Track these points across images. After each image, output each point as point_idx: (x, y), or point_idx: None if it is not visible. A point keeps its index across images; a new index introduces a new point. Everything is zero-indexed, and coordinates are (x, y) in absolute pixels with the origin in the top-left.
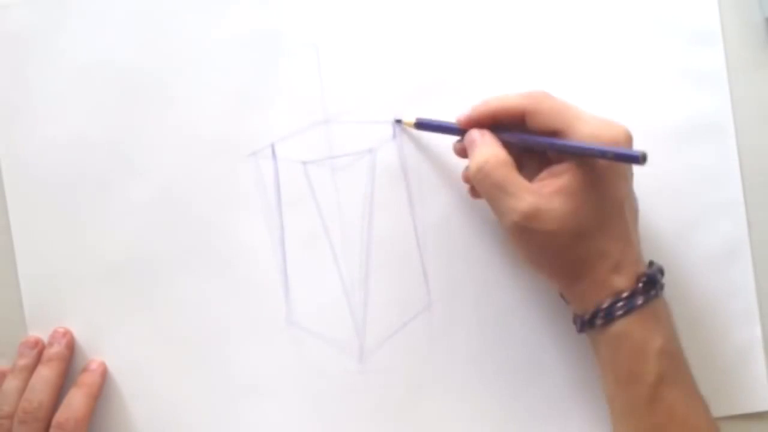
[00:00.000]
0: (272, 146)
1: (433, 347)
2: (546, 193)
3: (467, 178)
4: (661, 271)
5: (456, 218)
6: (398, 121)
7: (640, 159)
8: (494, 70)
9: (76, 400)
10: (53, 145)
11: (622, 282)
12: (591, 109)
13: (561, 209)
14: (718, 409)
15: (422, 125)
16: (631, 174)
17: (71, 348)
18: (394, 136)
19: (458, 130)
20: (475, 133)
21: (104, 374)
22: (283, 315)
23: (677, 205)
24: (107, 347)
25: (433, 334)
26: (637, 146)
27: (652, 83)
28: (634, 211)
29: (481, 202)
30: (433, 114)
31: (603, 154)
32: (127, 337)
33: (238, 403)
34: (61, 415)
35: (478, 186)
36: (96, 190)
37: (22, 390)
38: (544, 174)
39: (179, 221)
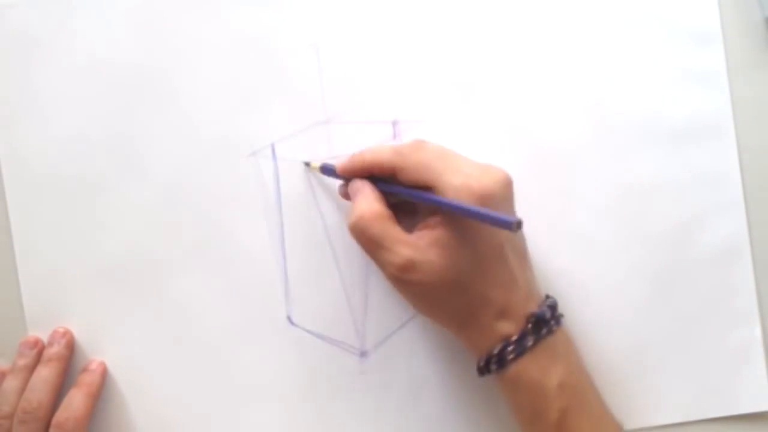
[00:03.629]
0: (272, 146)
1: (432, 347)
2: (422, 246)
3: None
4: (553, 307)
5: None
6: (306, 164)
7: (514, 227)
8: (494, 70)
9: (76, 400)
10: (53, 145)
11: (508, 327)
12: (591, 109)
13: (437, 262)
14: (718, 409)
15: (324, 170)
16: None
17: (71, 348)
18: (394, 136)
19: (337, 173)
20: (356, 184)
21: (104, 374)
22: (283, 315)
23: (677, 205)
24: (107, 347)
25: (433, 333)
26: (637, 146)
27: (652, 83)
28: (519, 249)
29: None
30: (432, 113)
31: (472, 215)
32: (127, 337)
33: (238, 402)
34: (60, 415)
35: (356, 240)
36: (96, 189)
37: (22, 390)
38: (420, 225)
39: (179, 221)
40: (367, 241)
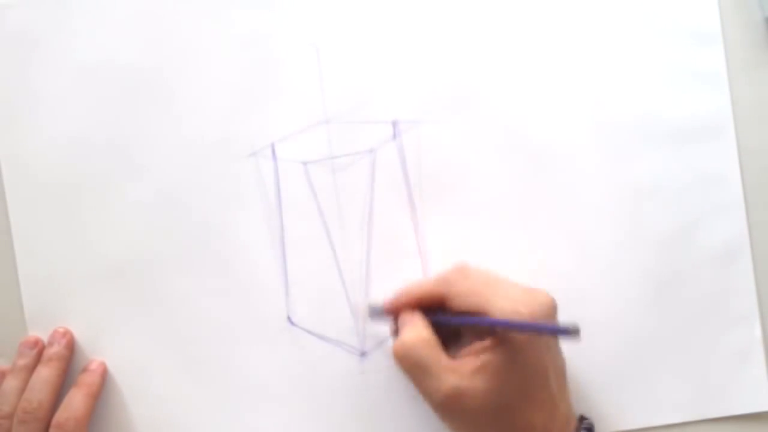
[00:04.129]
0: (272, 146)
1: None
2: (467, 372)
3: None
4: (590, 428)
5: (456, 218)
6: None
7: (574, 333)
8: (494, 70)
9: (76, 400)
10: (54, 146)
11: None
12: (590, 109)
13: (482, 388)
14: (717, 409)
15: (373, 313)
16: (554, 341)
17: (71, 348)
18: (394, 136)
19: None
20: (405, 317)
21: (104, 374)
22: (283, 315)
23: (677, 205)
24: (107, 347)
25: None
26: (636, 146)
27: (652, 83)
28: (561, 372)
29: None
30: (432, 113)
31: (531, 329)
32: (127, 337)
33: (238, 403)
34: (60, 415)
35: (400, 366)
36: (96, 190)
37: (22, 390)
38: (465, 351)
39: (179, 221)
40: (412, 366)
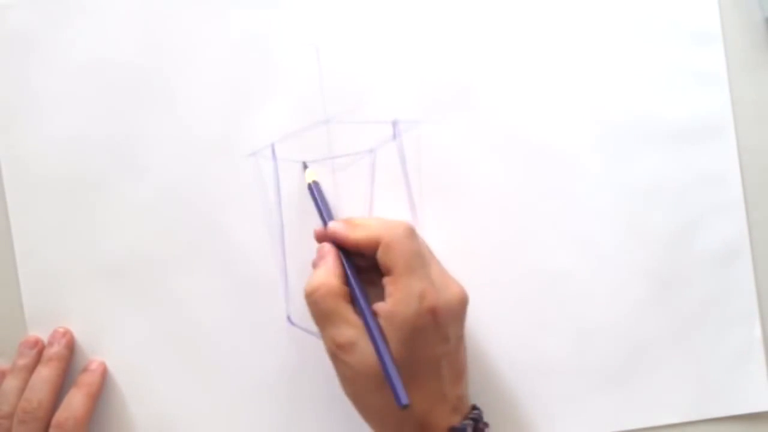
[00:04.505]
0: (272, 146)
1: None
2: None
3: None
4: (477, 419)
5: (456, 218)
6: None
7: (402, 406)
8: (494, 70)
9: (75, 400)
10: (53, 145)
11: None
12: (590, 109)
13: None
14: (718, 409)
15: (312, 191)
16: (457, 335)
17: (71, 348)
18: (394, 136)
19: (324, 222)
20: (324, 248)
21: (104, 374)
22: (283, 315)
23: (677, 205)
24: (107, 347)
25: None
26: (637, 146)
27: (652, 83)
28: (457, 366)
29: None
30: (432, 113)
31: (384, 371)
32: (127, 337)
33: (238, 402)
34: (60, 415)
35: (308, 308)
36: (96, 189)
37: (22, 390)
38: (375, 306)
39: (179, 221)
40: (318, 313)
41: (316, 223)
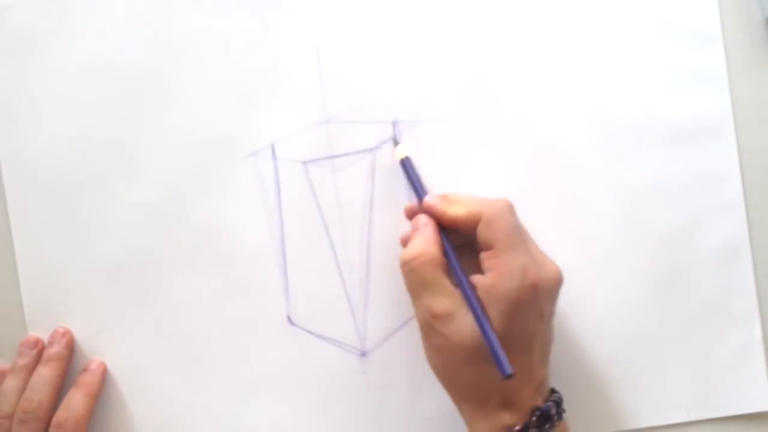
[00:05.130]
0: (272, 146)
1: None
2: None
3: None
4: (559, 402)
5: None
6: (395, 141)
7: (507, 376)
8: (494, 70)
9: (75, 400)
10: (54, 145)
11: (510, 418)
12: (591, 109)
13: (471, 325)
14: (718, 409)
15: (404, 166)
16: (550, 313)
17: (71, 348)
18: (395, 136)
19: (420, 197)
20: (421, 220)
21: (104, 374)
22: (283, 315)
23: (677, 206)
24: (107, 347)
25: None
26: (637, 146)
27: (653, 83)
28: (545, 344)
29: None
30: (432, 113)
31: (493, 352)
32: (127, 337)
33: (238, 402)
34: (60, 415)
35: (404, 276)
36: (96, 189)
37: (22, 390)
38: (473, 278)
39: (179, 221)
40: (415, 281)
41: (315, 223)
